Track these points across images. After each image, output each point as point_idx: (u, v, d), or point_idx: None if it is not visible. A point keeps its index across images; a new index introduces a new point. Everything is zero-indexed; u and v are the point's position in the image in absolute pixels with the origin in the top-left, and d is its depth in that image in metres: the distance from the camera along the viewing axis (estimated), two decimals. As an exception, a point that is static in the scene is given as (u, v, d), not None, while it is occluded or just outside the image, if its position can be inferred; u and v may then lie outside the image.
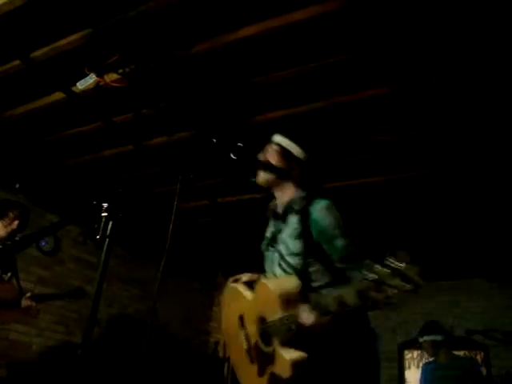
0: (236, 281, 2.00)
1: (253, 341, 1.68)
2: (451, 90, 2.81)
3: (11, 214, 3.16)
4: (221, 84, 3.02)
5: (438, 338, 3.80)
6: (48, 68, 2.97)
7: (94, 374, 3.53)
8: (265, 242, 1.91)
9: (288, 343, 1.49)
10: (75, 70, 2.91)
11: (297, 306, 1.47)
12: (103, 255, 1.63)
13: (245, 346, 1.73)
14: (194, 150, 3.75)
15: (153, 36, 2.66)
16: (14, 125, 3.72)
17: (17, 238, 3.27)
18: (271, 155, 1.84)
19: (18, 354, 4.22)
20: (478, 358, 5.23)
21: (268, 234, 1.91)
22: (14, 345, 4.20)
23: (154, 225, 4.92)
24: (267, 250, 1.88)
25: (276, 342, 1.52)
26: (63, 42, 2.72)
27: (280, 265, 1.73)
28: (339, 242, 1.62)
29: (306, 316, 1.43)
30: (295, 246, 1.68)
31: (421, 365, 4.86)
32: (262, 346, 1.61)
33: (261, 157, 1.87)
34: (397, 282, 1.18)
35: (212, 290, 6.80)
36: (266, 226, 1.96)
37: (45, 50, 2.81)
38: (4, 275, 3.16)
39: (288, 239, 1.72)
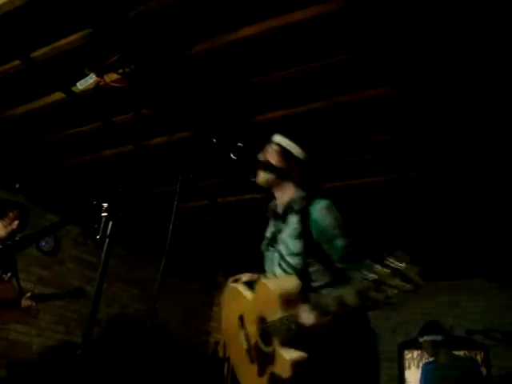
0: (236, 281, 2.00)
1: (253, 341, 1.68)
2: (451, 90, 2.81)
3: (11, 214, 3.16)
4: (221, 84, 3.02)
5: (438, 338, 3.80)
6: (48, 68, 2.97)
7: (94, 374, 3.53)
8: (265, 242, 1.91)
9: (288, 343, 1.49)
10: (75, 70, 2.91)
11: (297, 306, 1.47)
12: (103, 255, 1.63)
13: (245, 346, 1.73)
14: (194, 150, 3.75)
15: (153, 36, 2.66)
16: (14, 125, 3.71)
17: (17, 238, 3.27)
18: (271, 155, 1.84)
19: (18, 354, 4.22)
20: (478, 357, 5.23)
21: (268, 234, 1.91)
22: (14, 345, 4.20)
23: (153, 225, 4.92)
24: (267, 250, 1.88)
25: (276, 342, 1.52)
26: (63, 41, 2.72)
27: (280, 265, 1.73)
28: (339, 242, 1.62)
29: (306, 316, 1.43)
30: (295, 246, 1.68)
31: (421, 365, 4.86)
32: (262, 346, 1.61)
33: (261, 157, 1.87)
34: (397, 282, 1.18)
35: (212, 290, 6.79)
36: (266, 226, 1.95)
37: (45, 49, 2.81)
38: (4, 275, 3.16)
39: (288, 239, 1.72)
